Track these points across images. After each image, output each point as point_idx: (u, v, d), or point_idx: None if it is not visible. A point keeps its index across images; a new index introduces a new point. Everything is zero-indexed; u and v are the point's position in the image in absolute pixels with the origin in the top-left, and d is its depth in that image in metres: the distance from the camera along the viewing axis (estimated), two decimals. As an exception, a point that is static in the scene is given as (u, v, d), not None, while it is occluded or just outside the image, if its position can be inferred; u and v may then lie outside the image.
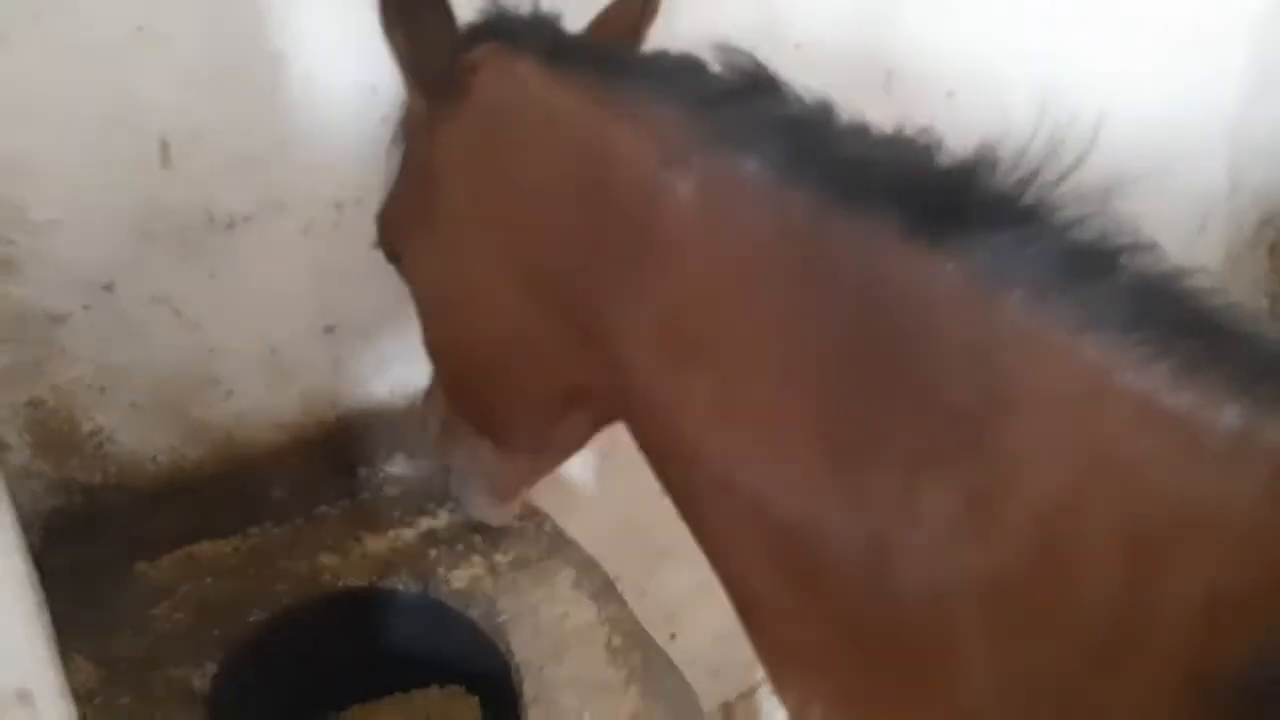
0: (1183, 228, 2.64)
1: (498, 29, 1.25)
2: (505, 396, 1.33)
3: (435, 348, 1.43)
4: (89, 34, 1.40)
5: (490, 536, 1.65)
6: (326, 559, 1.61)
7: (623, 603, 1.59)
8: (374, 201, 1.46)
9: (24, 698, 0.39)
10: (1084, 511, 0.81)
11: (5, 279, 1.47)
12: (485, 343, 1.27)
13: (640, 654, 1.52)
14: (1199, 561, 0.77)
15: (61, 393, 1.57)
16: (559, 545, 1.67)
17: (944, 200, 0.90)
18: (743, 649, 1.16)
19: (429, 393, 1.57)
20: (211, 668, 1.45)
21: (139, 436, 1.63)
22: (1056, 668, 0.83)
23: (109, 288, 1.54)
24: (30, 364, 1.53)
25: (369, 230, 1.48)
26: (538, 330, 1.18)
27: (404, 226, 1.36)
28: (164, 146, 1.50)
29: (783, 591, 1.02)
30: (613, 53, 1.20)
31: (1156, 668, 0.78)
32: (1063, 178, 0.88)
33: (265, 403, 1.70)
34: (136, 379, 1.60)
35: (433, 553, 1.63)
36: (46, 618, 1.41)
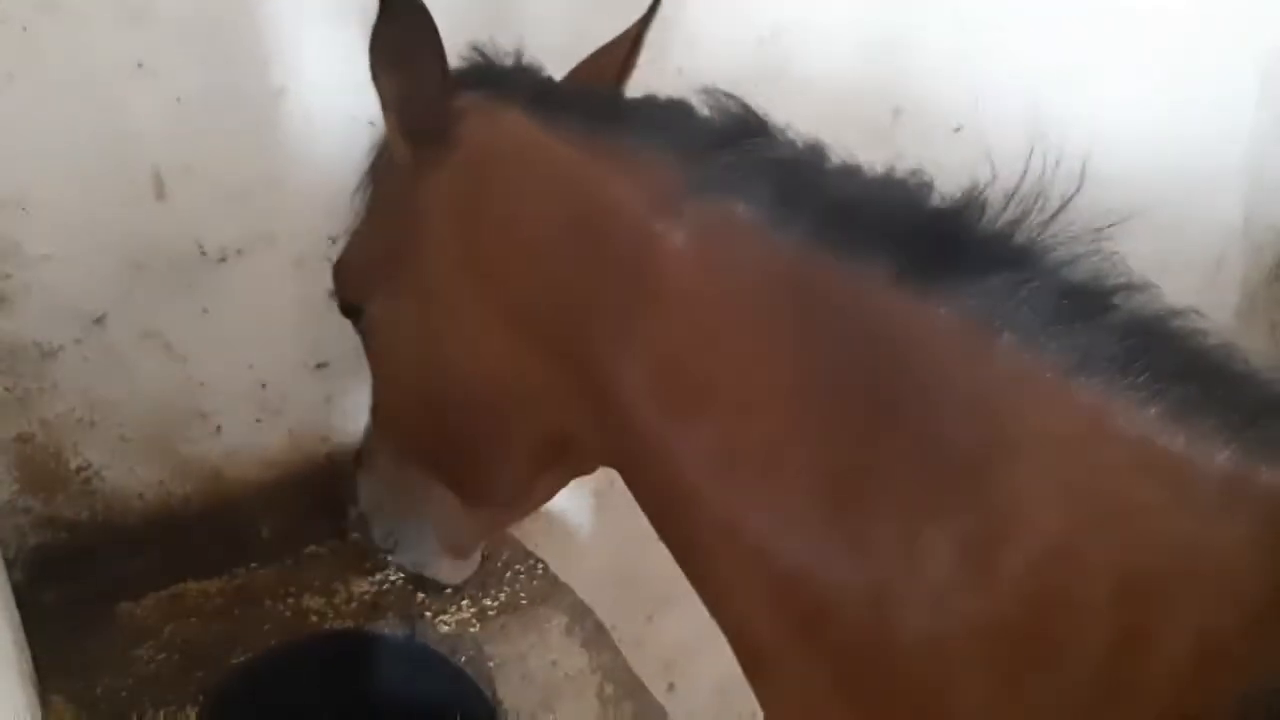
0: (1200, 264, 2.62)
1: (481, 77, 1.23)
2: (488, 449, 1.27)
3: (403, 402, 1.34)
4: (89, 70, 1.41)
5: (479, 580, 1.62)
6: (312, 601, 1.58)
7: (616, 651, 1.56)
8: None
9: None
10: (1080, 558, 0.82)
11: (0, 313, 1.46)
12: (472, 394, 1.22)
13: (633, 704, 1.48)
14: (1191, 607, 0.78)
15: (50, 427, 1.56)
16: (551, 590, 1.63)
17: (935, 243, 0.91)
18: (745, 701, 1.13)
19: (366, 452, 1.49)
20: (193, 711, 1.42)
21: (127, 472, 1.62)
22: (1054, 712, 0.83)
23: (100, 321, 1.53)
24: (20, 398, 1.52)
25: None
26: (530, 380, 1.15)
27: (372, 275, 1.29)
28: (158, 180, 1.50)
29: (786, 639, 1.01)
30: (599, 99, 1.19)
31: (1150, 712, 0.78)
32: (1053, 218, 0.88)
33: (254, 439, 1.69)
34: (125, 414, 1.59)
35: (420, 596, 1.60)
36: (27, 656, 1.39)
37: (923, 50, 2.01)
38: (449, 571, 1.54)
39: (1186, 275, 2.50)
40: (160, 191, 1.50)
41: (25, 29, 1.35)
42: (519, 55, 1.26)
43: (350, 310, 1.35)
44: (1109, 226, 0.89)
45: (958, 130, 2.06)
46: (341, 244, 1.36)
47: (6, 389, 1.51)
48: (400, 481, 1.42)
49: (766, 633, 1.03)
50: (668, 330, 1.03)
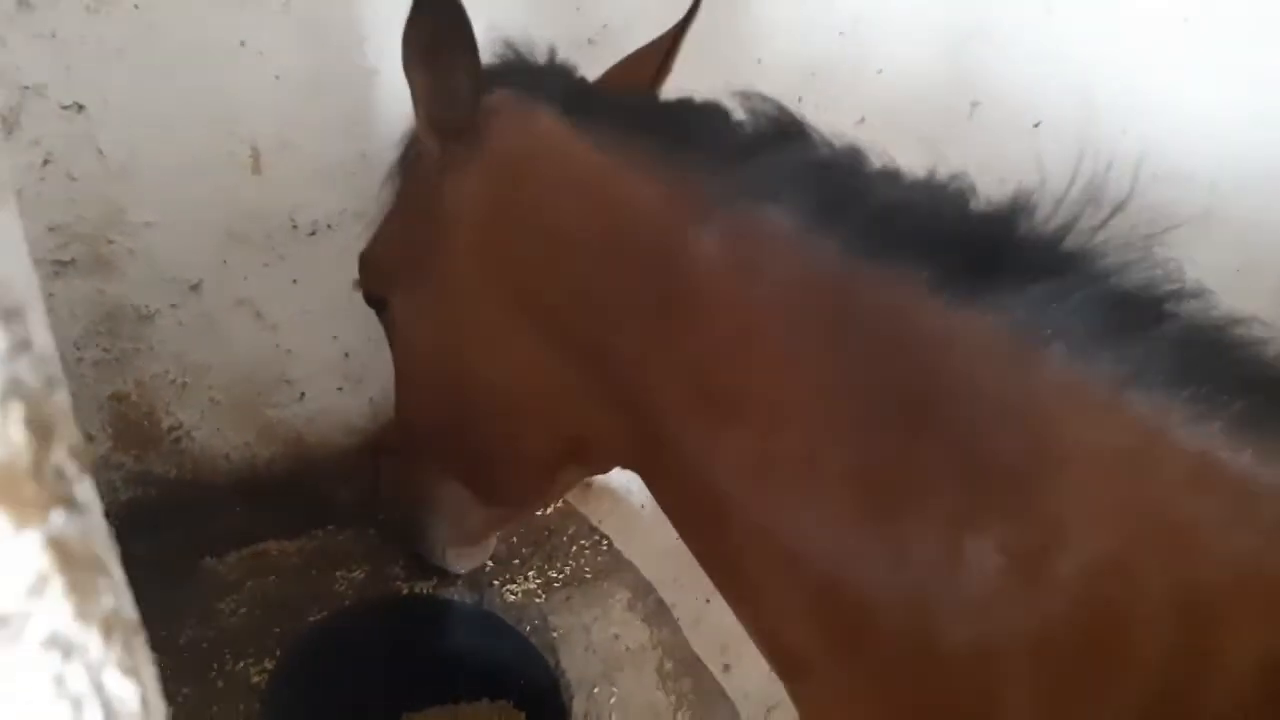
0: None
1: (513, 75, 1.21)
2: (507, 452, 1.25)
3: (424, 398, 1.32)
4: (195, 47, 1.47)
5: (545, 553, 1.66)
6: (386, 565, 1.64)
7: (676, 628, 1.58)
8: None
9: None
10: (1134, 577, 0.79)
11: (102, 277, 1.54)
12: (492, 395, 1.20)
13: (691, 680, 1.51)
14: (1254, 630, 0.75)
15: (145, 388, 1.63)
16: (615, 565, 1.66)
17: (979, 250, 0.88)
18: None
19: (383, 439, 1.49)
20: (270, 663, 1.48)
21: (215, 433, 1.69)
22: None
23: (196, 288, 1.60)
24: (117, 359, 1.60)
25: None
26: (554, 386, 1.13)
27: (398, 270, 1.27)
28: (256, 155, 1.56)
29: (822, 649, 0.99)
30: (633, 103, 1.16)
31: None
32: (1106, 221, 0.85)
33: (337, 406, 1.74)
34: (216, 377, 1.66)
35: (489, 565, 1.64)
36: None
37: (1003, 43, 1.98)
38: (456, 560, 1.54)
39: (1266, 279, 2.43)
40: (257, 165, 1.55)
41: (136, 6, 1.42)
42: (553, 54, 1.24)
43: (375, 301, 1.34)
44: (1165, 230, 0.86)
45: (1037, 126, 2.03)
46: (368, 235, 1.36)
47: (105, 350, 1.59)
48: (417, 472, 1.41)
49: (803, 640, 1.01)
50: (700, 337, 1.00)
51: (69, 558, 0.38)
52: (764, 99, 1.03)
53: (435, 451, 1.35)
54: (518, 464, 1.26)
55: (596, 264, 1.07)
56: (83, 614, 0.38)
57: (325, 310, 1.67)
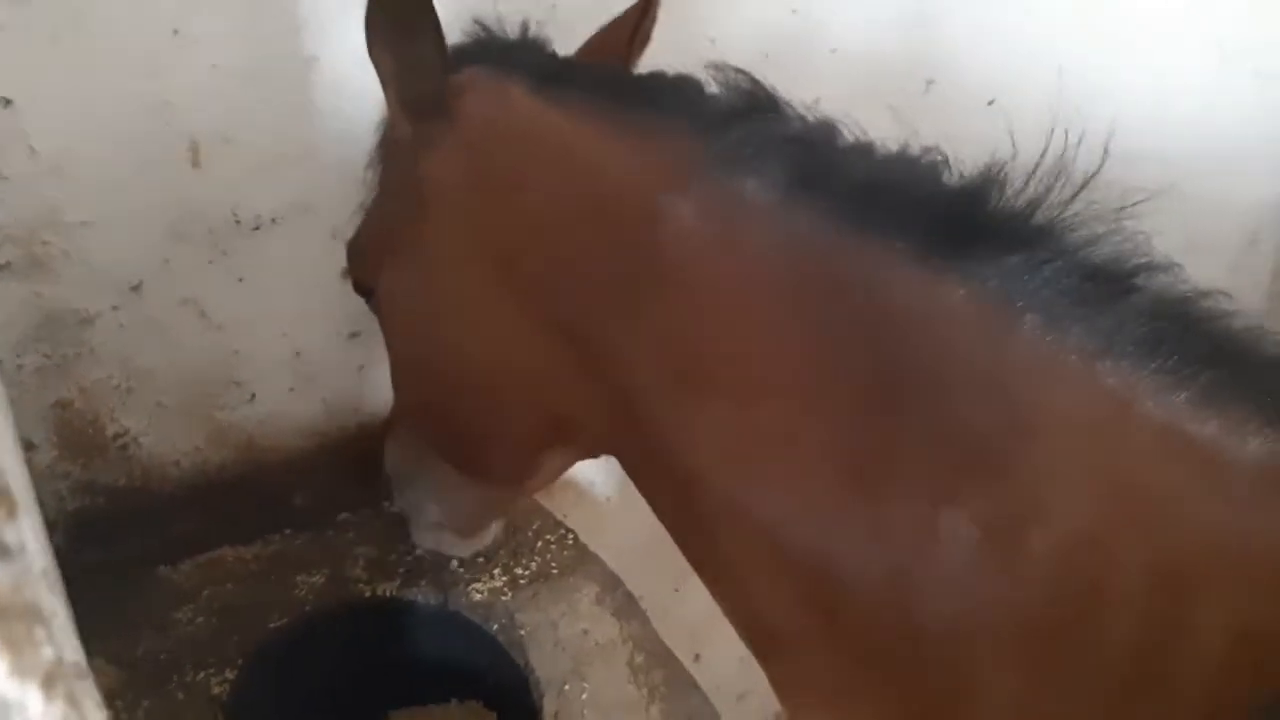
0: (1232, 244, 2.59)
1: (485, 52, 1.21)
2: (490, 428, 1.26)
3: (412, 379, 1.35)
4: (127, 37, 1.41)
5: (511, 549, 1.64)
6: (347, 567, 1.60)
7: (645, 620, 1.57)
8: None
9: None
10: (1107, 545, 0.80)
11: (39, 279, 1.48)
12: (475, 373, 1.21)
13: (662, 673, 1.50)
14: (1225, 597, 0.76)
15: (89, 394, 1.58)
16: (582, 560, 1.65)
17: (953, 223, 0.88)
18: (769, 673, 1.13)
19: (389, 423, 1.50)
20: (230, 673, 1.45)
21: (163, 439, 1.64)
22: (1080, 702, 0.82)
23: (138, 289, 1.54)
24: (58, 365, 1.54)
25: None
26: (534, 360, 1.13)
27: (381, 254, 1.28)
28: (195, 148, 1.50)
29: (799, 625, 0.99)
30: (606, 76, 1.15)
31: (1180, 703, 0.77)
32: (1075, 195, 0.86)
33: (288, 408, 1.70)
34: (162, 381, 1.61)
35: (454, 564, 1.62)
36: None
37: (956, 22, 1.98)
38: (456, 546, 1.55)
39: (1218, 254, 2.47)
40: (196, 159, 1.50)
41: (68, -8, 1.36)
42: (525, 29, 1.23)
43: (364, 291, 1.34)
44: (1134, 204, 0.87)
45: (991, 104, 2.04)
46: (354, 222, 1.35)
47: (45, 356, 1.52)
48: (415, 451, 1.42)
49: (780, 618, 1.01)
50: (676, 309, 1.00)
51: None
52: (738, 71, 1.03)
53: (423, 429, 1.37)
54: (497, 440, 1.26)
55: (568, 235, 1.07)
56: (19, 669, 0.35)
57: (273, 308, 1.62)
